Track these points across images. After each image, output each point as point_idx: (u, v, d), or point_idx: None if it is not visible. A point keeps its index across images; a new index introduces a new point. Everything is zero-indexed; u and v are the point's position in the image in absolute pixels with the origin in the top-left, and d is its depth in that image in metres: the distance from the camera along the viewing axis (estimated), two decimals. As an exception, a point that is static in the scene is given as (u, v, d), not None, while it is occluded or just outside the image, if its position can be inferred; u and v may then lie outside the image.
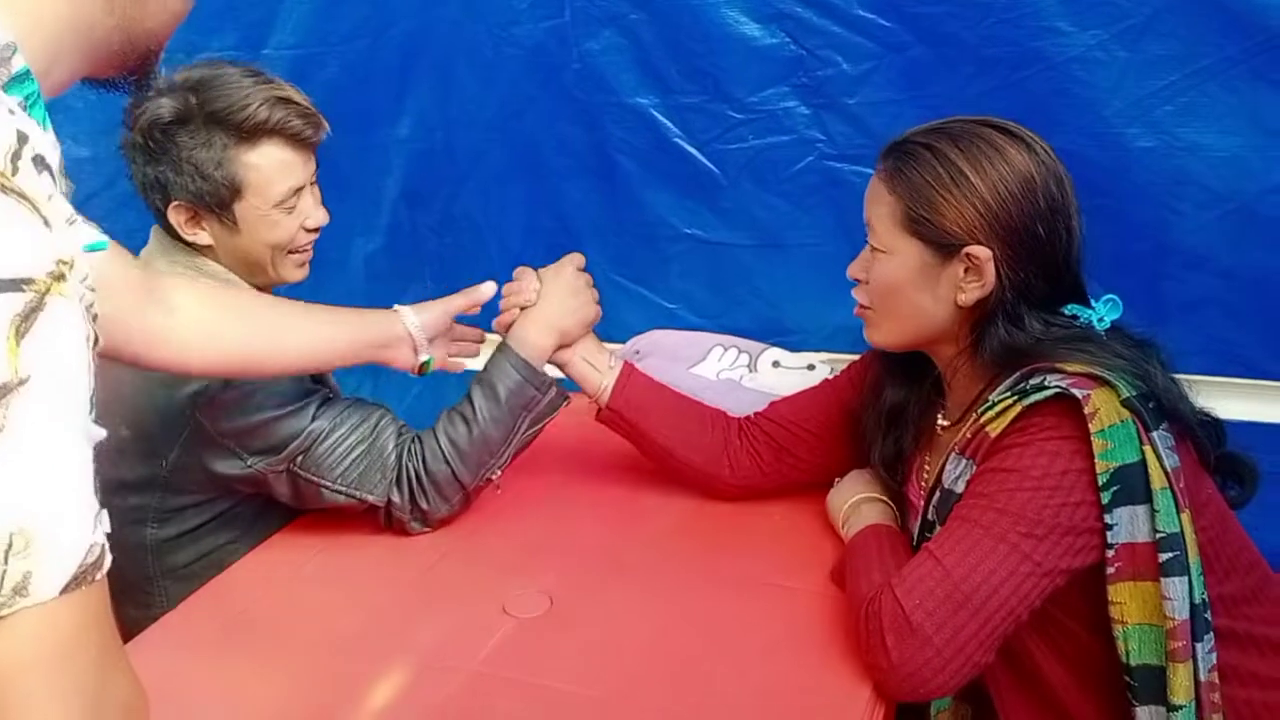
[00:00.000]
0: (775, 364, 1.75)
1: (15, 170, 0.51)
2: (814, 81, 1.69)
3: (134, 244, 2.12)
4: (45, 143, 0.55)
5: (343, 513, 1.36)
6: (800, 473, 1.43)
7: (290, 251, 1.41)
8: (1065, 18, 1.53)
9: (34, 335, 0.49)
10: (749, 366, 1.75)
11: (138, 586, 1.41)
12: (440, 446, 1.34)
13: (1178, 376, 1.12)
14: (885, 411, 1.30)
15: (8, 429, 0.48)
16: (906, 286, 1.15)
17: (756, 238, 1.82)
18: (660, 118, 1.78)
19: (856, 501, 1.32)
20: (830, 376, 1.48)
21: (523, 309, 1.40)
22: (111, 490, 1.44)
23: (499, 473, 1.39)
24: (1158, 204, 1.56)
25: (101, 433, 0.54)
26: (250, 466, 1.32)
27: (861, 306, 1.23)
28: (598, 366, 1.41)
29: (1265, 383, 1.60)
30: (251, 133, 1.32)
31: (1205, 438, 1.11)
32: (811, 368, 1.74)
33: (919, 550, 1.09)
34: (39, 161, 0.53)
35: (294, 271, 1.44)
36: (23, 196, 0.51)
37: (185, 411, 1.29)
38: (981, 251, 1.09)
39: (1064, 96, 1.55)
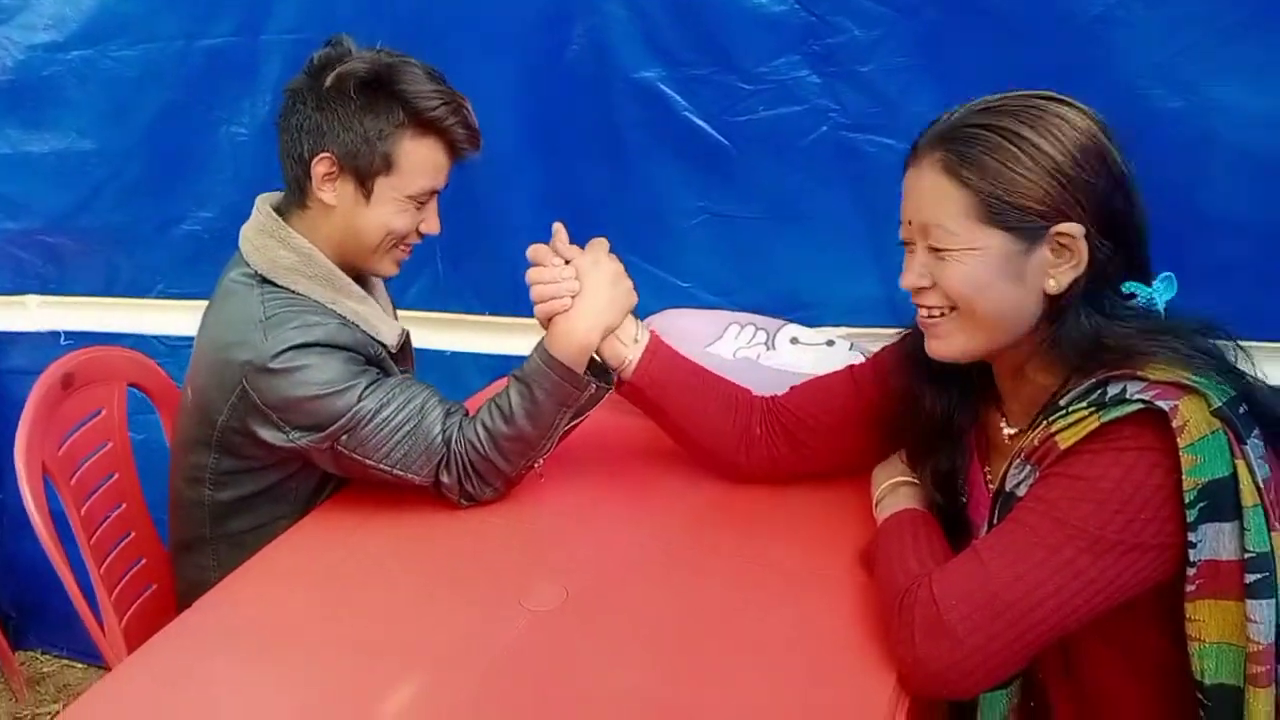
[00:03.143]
0: (793, 340, 1.71)
1: None
2: (825, 49, 1.65)
3: (136, 237, 2.12)
4: None
5: (383, 487, 1.38)
6: (817, 464, 1.38)
7: (396, 245, 1.46)
8: (1085, -24, 1.48)
9: None
10: (766, 344, 1.71)
11: (195, 547, 1.49)
12: (480, 437, 1.35)
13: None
14: (929, 425, 1.20)
15: None
16: (992, 281, 1.04)
17: (770, 211, 1.78)
18: (668, 91, 1.74)
19: (894, 484, 1.28)
20: (855, 363, 1.41)
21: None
22: (177, 447, 1.46)
23: (541, 461, 1.39)
24: (1186, 166, 1.51)
25: None
26: (291, 440, 1.35)
27: (932, 314, 1.09)
28: (623, 339, 1.36)
29: (1299, 347, 1.55)
30: (425, 124, 1.39)
31: None
32: (831, 343, 1.70)
33: (968, 548, 1.03)
34: None
35: (390, 266, 1.48)
36: None
37: (236, 377, 1.34)
38: (1074, 228, 1.00)
39: (1086, 58, 1.49)
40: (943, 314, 1.08)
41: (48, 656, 2.60)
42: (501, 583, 1.22)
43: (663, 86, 1.74)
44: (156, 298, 2.17)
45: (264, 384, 1.32)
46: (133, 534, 1.63)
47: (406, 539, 1.34)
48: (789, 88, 1.68)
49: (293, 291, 1.40)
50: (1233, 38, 1.45)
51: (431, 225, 1.46)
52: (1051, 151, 1.01)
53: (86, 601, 1.42)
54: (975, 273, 1.04)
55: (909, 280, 1.10)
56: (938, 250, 1.06)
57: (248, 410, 1.35)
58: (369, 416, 1.33)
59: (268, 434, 1.36)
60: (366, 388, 1.34)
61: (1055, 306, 1.04)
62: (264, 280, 1.40)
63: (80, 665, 2.57)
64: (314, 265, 1.41)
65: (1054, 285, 1.03)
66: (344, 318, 1.40)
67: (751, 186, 1.77)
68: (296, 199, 1.43)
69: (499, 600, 1.18)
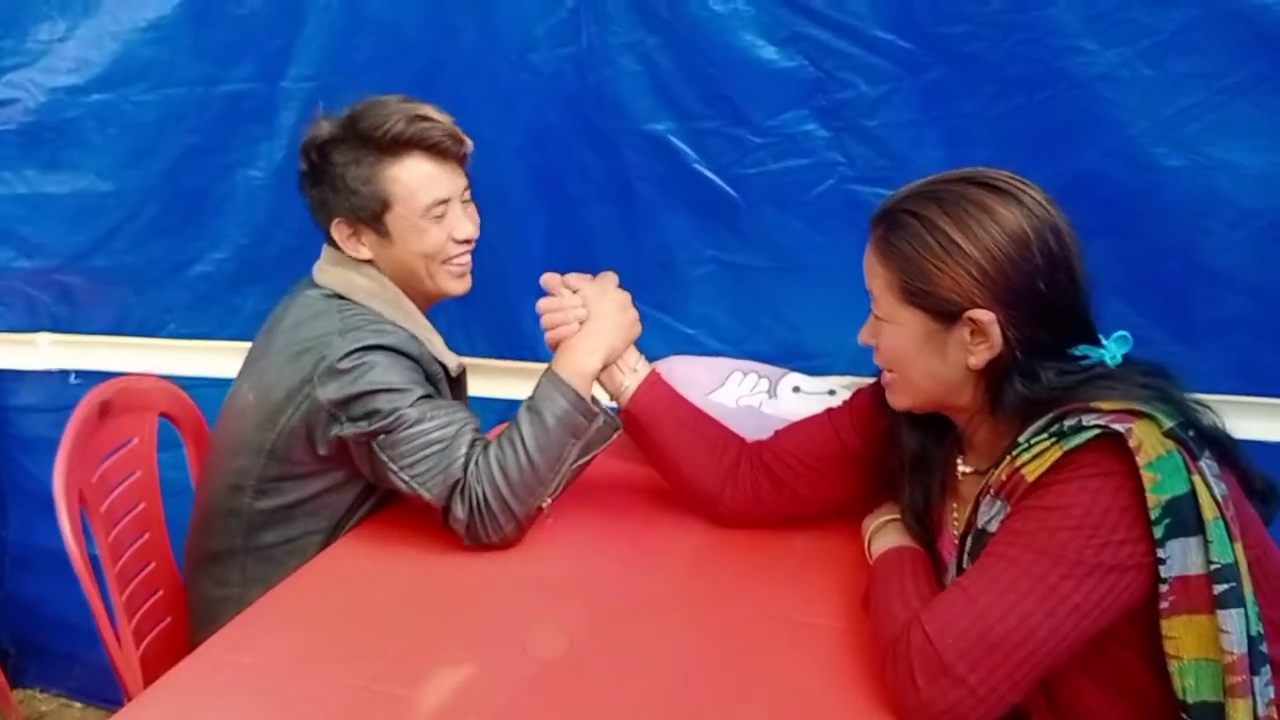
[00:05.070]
0: (795, 389, 1.72)
1: None
2: (833, 104, 1.68)
3: (149, 277, 2.14)
4: None
5: (404, 513, 1.44)
6: (799, 507, 1.41)
7: (443, 262, 1.50)
8: (1089, 36, 1.51)
9: None
10: (769, 392, 1.72)
11: (222, 561, 1.50)
12: (492, 467, 1.36)
13: (1202, 397, 1.07)
14: (907, 460, 1.27)
15: None
16: (914, 354, 1.13)
17: (777, 261, 1.80)
18: (678, 143, 1.77)
19: (882, 523, 1.31)
20: (834, 405, 1.44)
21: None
22: (223, 453, 1.48)
23: (549, 501, 1.40)
24: (1187, 223, 1.54)
25: None
26: (343, 430, 1.39)
27: (883, 372, 1.21)
28: (623, 368, 1.44)
29: (1299, 403, 1.56)
30: (392, 147, 1.44)
31: (1240, 458, 1.07)
32: (833, 393, 1.71)
33: (952, 585, 1.06)
34: None
35: (452, 283, 1.53)
36: None
37: (308, 376, 1.40)
38: (983, 315, 1.06)
39: (1089, 116, 1.53)
40: (891, 371, 1.19)
41: (46, 695, 2.58)
42: (506, 630, 1.23)
43: (673, 139, 1.77)
44: (167, 337, 2.19)
45: (331, 381, 1.38)
46: (153, 564, 1.62)
47: (415, 583, 1.34)
48: (797, 141, 1.71)
49: (366, 307, 1.46)
50: (1234, 97, 1.48)
51: (463, 230, 1.50)
52: (968, 248, 1.07)
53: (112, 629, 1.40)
54: (899, 343, 1.14)
55: (860, 336, 1.21)
56: (878, 316, 1.16)
57: (310, 411, 1.40)
58: (409, 424, 1.36)
59: (321, 430, 1.40)
60: (419, 398, 1.39)
61: (989, 376, 1.11)
62: (340, 297, 1.47)
63: (78, 705, 2.55)
64: (387, 291, 1.49)
65: (974, 362, 1.10)
66: (414, 335, 1.46)
67: (759, 237, 1.79)
68: (349, 258, 1.51)
69: (503, 647, 1.19)
